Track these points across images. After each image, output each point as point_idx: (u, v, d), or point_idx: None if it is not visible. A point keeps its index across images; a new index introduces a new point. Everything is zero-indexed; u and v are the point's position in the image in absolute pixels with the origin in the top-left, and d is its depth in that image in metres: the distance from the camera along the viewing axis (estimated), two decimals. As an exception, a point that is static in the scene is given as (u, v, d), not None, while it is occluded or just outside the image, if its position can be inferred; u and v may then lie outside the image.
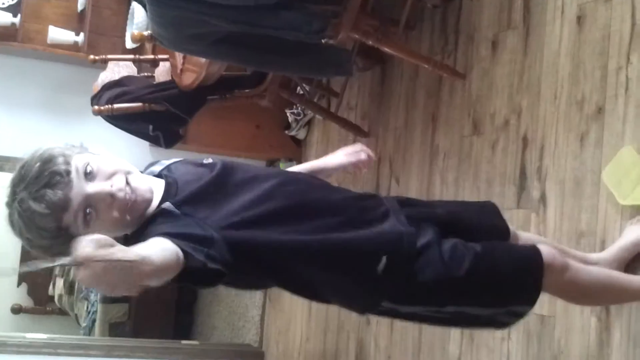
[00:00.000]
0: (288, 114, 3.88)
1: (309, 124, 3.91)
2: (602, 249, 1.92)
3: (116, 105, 3.11)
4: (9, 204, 1.30)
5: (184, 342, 4.62)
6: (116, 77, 3.40)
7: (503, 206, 1.88)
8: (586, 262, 1.79)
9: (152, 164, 1.52)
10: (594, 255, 1.87)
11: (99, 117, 3.17)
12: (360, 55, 3.08)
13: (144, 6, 3.29)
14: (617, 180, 1.91)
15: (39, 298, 6.24)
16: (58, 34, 3.95)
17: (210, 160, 1.50)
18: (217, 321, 5.12)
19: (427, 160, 2.80)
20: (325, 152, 3.55)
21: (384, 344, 2.96)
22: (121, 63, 3.51)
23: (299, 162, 3.83)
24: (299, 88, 3.42)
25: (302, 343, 3.80)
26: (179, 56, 3.07)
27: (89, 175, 1.31)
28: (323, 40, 2.40)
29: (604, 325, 1.90)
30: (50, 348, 3.87)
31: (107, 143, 1.56)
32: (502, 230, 1.65)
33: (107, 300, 5.13)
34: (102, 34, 3.95)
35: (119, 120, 3.18)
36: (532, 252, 1.49)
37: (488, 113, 2.48)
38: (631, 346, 1.81)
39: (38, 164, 1.28)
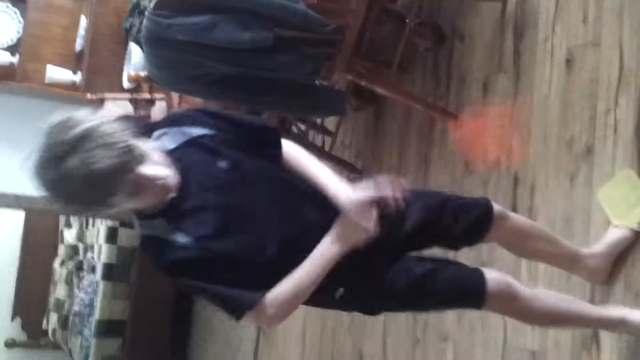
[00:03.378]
0: (283, 152, 3.90)
1: (303, 161, 3.93)
2: (592, 288, 1.97)
3: (113, 144, 3.13)
4: (72, 153, 1.37)
5: (178, 376, 4.60)
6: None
7: (495, 244, 1.93)
8: (578, 257, 1.91)
9: (162, 134, 1.59)
10: (586, 250, 1.93)
11: (96, 156, 3.18)
12: (355, 96, 3.12)
13: (141, 46, 3.34)
14: (613, 200, 1.96)
15: (32, 332, 6.20)
16: (56, 73, 3.97)
17: (224, 165, 1.58)
18: (211, 355, 5.10)
19: (420, 200, 2.81)
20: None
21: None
22: (118, 102, 3.54)
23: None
24: (293, 127, 3.45)
25: (296, 378, 3.80)
26: (174, 95, 3.11)
27: (141, 157, 1.42)
28: (317, 82, 2.45)
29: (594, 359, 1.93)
30: (44, 384, 3.86)
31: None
32: (480, 230, 1.75)
33: (101, 335, 5.12)
34: (100, 74, 3.97)
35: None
36: (476, 284, 1.64)
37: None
38: (623, 381, 1.83)
39: (105, 133, 1.39)
